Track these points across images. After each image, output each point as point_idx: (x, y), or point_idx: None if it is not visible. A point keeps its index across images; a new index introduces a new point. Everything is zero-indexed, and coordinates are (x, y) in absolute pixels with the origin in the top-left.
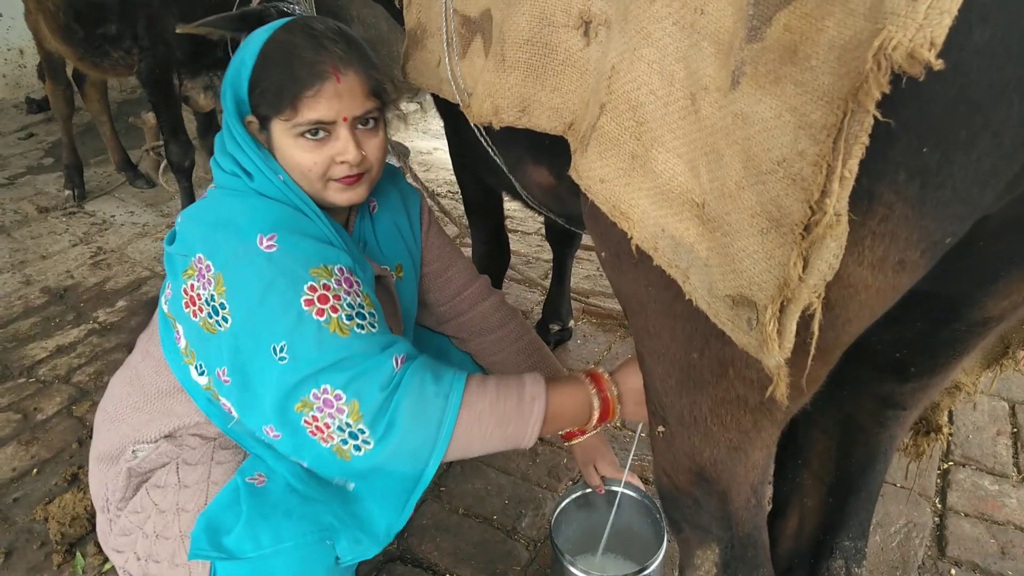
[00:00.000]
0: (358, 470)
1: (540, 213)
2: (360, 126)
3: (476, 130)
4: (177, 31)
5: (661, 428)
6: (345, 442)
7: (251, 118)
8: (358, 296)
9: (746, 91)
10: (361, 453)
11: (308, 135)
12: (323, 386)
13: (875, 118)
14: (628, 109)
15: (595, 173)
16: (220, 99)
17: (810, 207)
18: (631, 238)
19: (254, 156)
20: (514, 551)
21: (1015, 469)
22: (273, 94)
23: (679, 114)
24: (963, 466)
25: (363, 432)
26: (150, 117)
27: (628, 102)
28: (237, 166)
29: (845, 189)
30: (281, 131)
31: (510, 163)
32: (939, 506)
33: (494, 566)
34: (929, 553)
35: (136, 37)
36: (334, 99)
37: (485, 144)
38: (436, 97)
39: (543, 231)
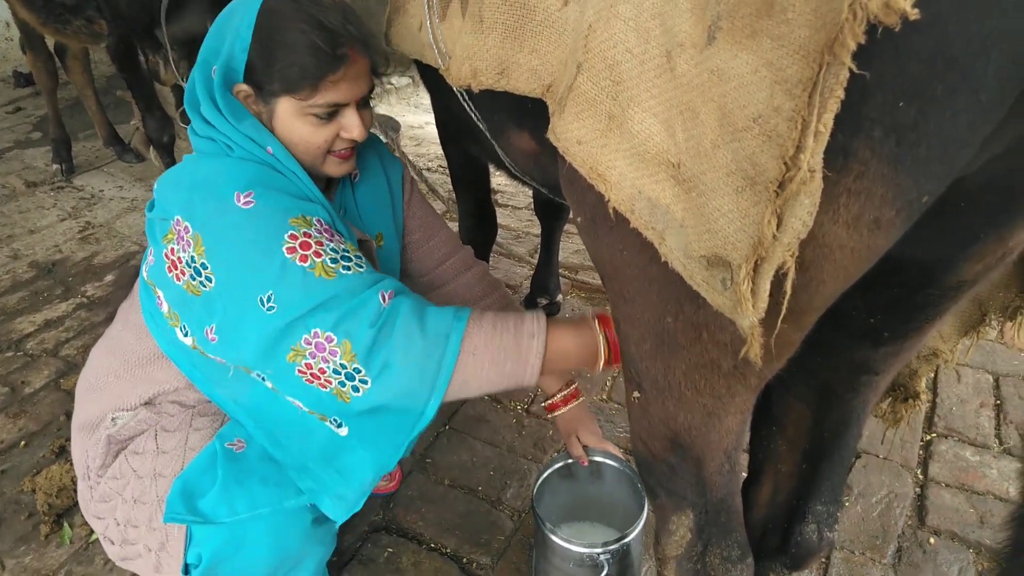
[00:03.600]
0: (358, 411)
1: (525, 183)
2: (361, 102)
3: (459, 95)
4: None
5: (636, 394)
6: (343, 384)
7: (243, 87)
8: (341, 243)
9: (722, 47)
10: (360, 394)
11: (320, 115)
12: (313, 330)
13: (851, 71)
14: (604, 68)
15: (572, 135)
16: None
17: (785, 163)
18: (608, 201)
19: (240, 126)
20: (498, 521)
21: (997, 440)
22: (292, 74)
23: (655, 72)
24: (946, 438)
25: (359, 372)
26: None
27: (604, 61)
28: (214, 131)
29: (820, 144)
30: (290, 108)
31: (493, 129)
32: (921, 477)
33: (478, 536)
34: (909, 523)
35: (99, 8)
36: (352, 83)
37: (468, 110)
38: (421, 67)
39: (532, 206)
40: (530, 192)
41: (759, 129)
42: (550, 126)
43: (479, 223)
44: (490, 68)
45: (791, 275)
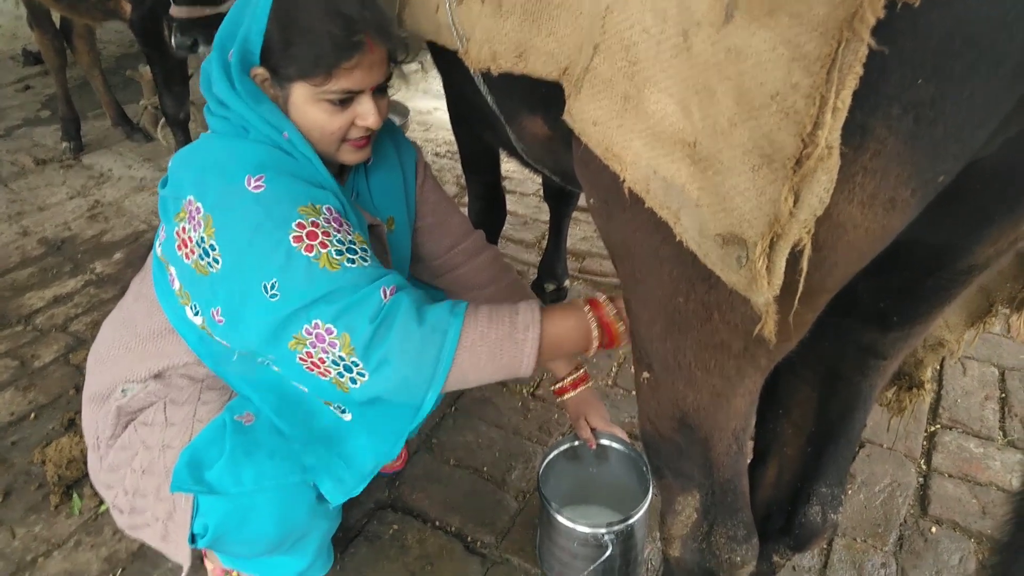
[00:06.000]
0: (358, 400)
1: (536, 170)
2: (377, 90)
3: (476, 78)
4: None
5: (646, 374)
6: (341, 375)
7: (259, 70)
8: (348, 234)
9: (740, 24)
10: (358, 385)
11: (335, 101)
12: (314, 320)
13: (869, 47)
14: (621, 49)
15: (588, 116)
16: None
17: (802, 140)
18: (623, 181)
19: (259, 109)
20: (503, 501)
21: (1001, 433)
22: (307, 59)
23: (671, 52)
24: (950, 429)
25: (356, 365)
26: (147, 71)
27: (621, 42)
28: (229, 111)
29: (838, 120)
30: (305, 93)
31: (507, 114)
32: (924, 467)
33: (483, 515)
34: (911, 511)
35: None
36: (367, 70)
37: (484, 93)
38: (433, 49)
39: (541, 192)
40: (538, 179)
41: (777, 106)
42: (566, 108)
43: (488, 207)
44: (509, 51)
45: (807, 252)
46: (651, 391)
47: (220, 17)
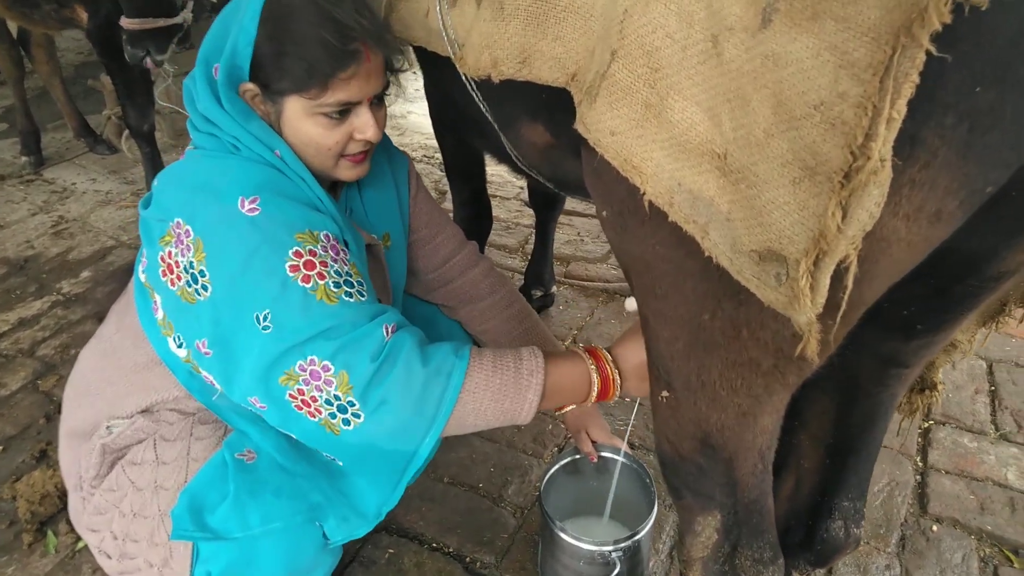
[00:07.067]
0: (349, 445)
1: (529, 176)
2: (375, 100)
3: (468, 85)
4: None
5: (665, 393)
6: (334, 416)
7: (249, 86)
8: (345, 264)
9: (779, 30)
10: (351, 427)
11: (331, 114)
12: (309, 357)
13: (928, 54)
14: (642, 55)
15: (605, 125)
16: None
17: (851, 152)
18: (643, 194)
19: (249, 127)
20: (501, 519)
21: (993, 426)
22: (301, 71)
23: (699, 58)
24: (943, 424)
25: (353, 405)
26: (108, 80)
27: (642, 47)
28: (218, 129)
29: (892, 132)
30: (299, 107)
31: (502, 120)
32: (920, 464)
33: (481, 534)
34: (911, 511)
35: None
36: (364, 80)
37: (477, 100)
38: (419, 53)
39: (523, 196)
40: (519, 183)
41: (820, 116)
42: (578, 117)
43: (475, 215)
44: (511, 57)
45: (853, 269)
46: (671, 411)
47: (173, 29)
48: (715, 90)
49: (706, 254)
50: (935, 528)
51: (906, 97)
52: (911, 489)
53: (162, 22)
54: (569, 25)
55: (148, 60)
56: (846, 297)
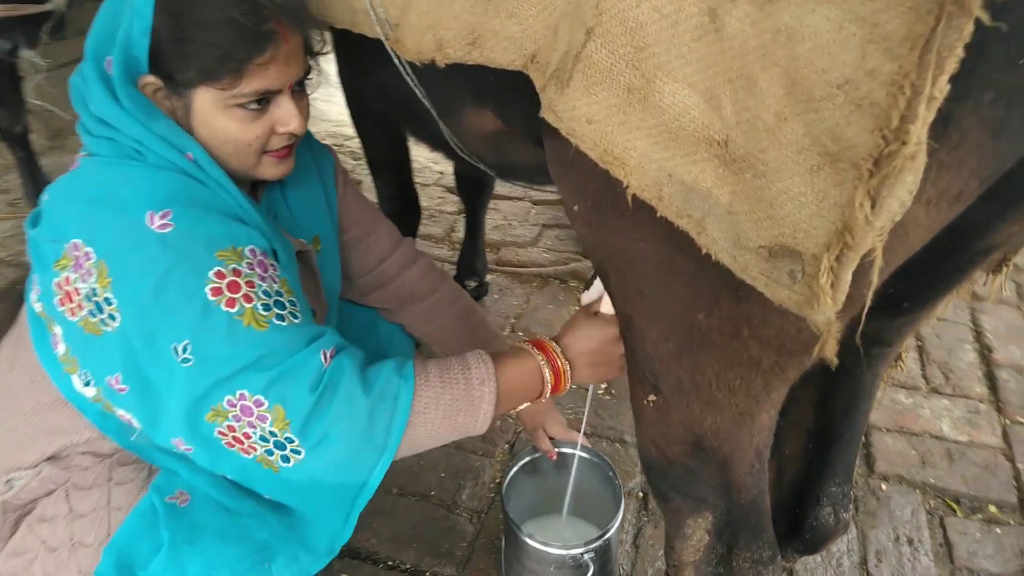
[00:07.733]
0: (289, 481)
1: (463, 162)
2: (296, 88)
3: (402, 70)
4: None
5: (652, 397)
6: (271, 452)
7: (150, 79)
8: (274, 282)
9: (793, 1)
10: (291, 464)
11: (249, 106)
12: (239, 391)
13: (977, 23)
14: (624, 32)
15: (580, 113)
16: (84, 59)
17: (883, 136)
18: (627, 187)
19: (154, 127)
20: (457, 526)
21: (924, 381)
22: (209, 58)
23: (692, 35)
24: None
25: (292, 441)
26: None
27: (624, 24)
28: (115, 132)
29: (931, 112)
30: (210, 100)
31: (442, 107)
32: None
33: (438, 545)
34: (860, 472)
35: None
36: (283, 65)
37: (412, 86)
38: (336, 36)
39: (443, 181)
40: (438, 167)
41: (844, 97)
42: (544, 103)
43: (403, 206)
44: (459, 38)
45: (878, 262)
46: (659, 415)
47: (43, 17)
48: (713, 69)
49: (703, 251)
50: (884, 487)
51: (948, 73)
52: (858, 450)
53: (30, 8)
54: (526, 0)
55: (21, 52)
56: (870, 293)
